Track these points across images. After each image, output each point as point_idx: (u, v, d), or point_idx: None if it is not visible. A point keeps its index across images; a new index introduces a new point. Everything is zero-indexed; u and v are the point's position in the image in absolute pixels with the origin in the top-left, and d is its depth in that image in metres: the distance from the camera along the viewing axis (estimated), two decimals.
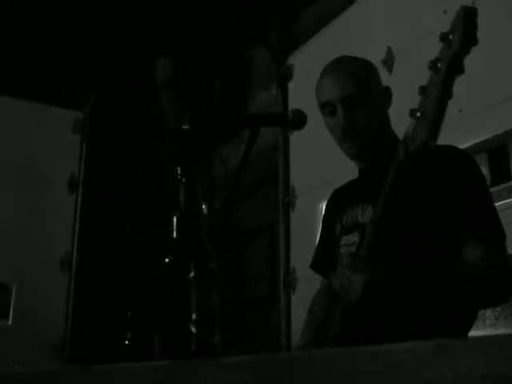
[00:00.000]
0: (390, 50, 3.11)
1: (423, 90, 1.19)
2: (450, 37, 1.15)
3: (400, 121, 2.90)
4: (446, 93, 1.15)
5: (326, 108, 1.65)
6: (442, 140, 2.76)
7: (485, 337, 0.46)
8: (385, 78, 3.12)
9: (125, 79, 4.22)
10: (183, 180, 1.05)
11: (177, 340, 0.98)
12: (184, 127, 1.48)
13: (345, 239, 1.68)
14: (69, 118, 4.16)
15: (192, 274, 0.98)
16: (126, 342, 2.89)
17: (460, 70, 1.16)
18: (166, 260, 0.99)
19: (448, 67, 1.15)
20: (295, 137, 3.66)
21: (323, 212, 1.95)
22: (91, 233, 4.06)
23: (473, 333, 2.58)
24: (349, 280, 1.37)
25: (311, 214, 3.32)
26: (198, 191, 1.06)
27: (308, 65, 3.44)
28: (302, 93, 3.03)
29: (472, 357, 0.47)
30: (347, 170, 1.88)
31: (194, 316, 0.96)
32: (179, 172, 1.05)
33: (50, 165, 4.06)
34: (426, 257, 1.47)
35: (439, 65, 1.16)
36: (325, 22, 3.63)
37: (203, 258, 1.01)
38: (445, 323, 1.43)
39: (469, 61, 2.67)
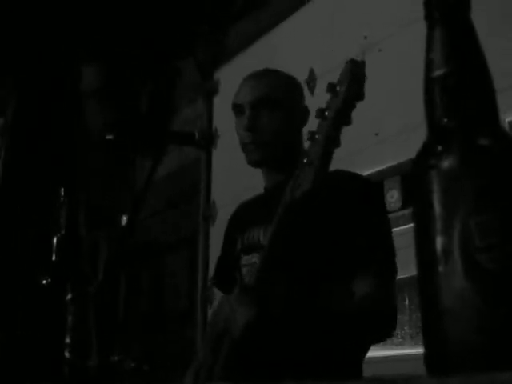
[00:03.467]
0: (312, 72, 3.16)
1: (312, 137, 1.18)
2: (337, 88, 1.14)
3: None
4: (332, 141, 1.15)
5: (236, 109, 1.65)
6: (359, 162, 2.81)
7: None
8: (307, 99, 3.20)
9: (49, 86, 4.13)
10: (65, 201, 1.03)
11: (48, 365, 0.96)
12: (108, 137, 1.46)
13: (244, 259, 1.64)
14: None
15: (69, 297, 0.97)
16: None
17: (347, 121, 1.15)
18: (44, 282, 0.97)
19: (334, 117, 1.14)
20: (218, 152, 3.68)
21: (226, 225, 1.88)
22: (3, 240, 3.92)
23: (380, 353, 2.65)
24: (233, 314, 1.29)
25: None
26: (80, 213, 1.05)
27: (234, 80, 3.45)
28: (227, 108, 3.04)
29: None
30: None
31: (67, 340, 0.95)
32: (62, 193, 1.04)
33: None
34: (317, 290, 1.45)
35: (327, 113, 1.15)
36: (253, 38, 3.66)
37: (81, 280, 0.99)
38: (335, 355, 1.42)
39: (389, 86, 2.73)
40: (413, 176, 0.58)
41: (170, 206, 3.94)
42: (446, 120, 0.58)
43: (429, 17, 0.62)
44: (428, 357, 0.57)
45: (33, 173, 3.88)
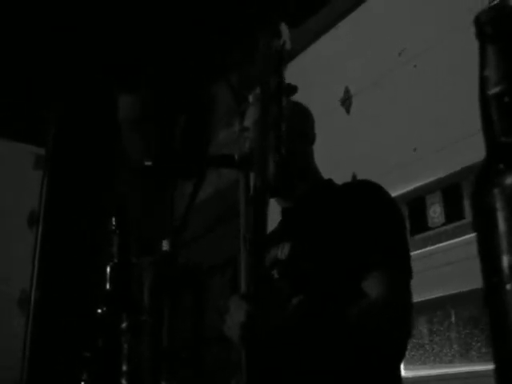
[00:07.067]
0: (347, 90, 3.16)
1: None
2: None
3: (356, 158, 2.90)
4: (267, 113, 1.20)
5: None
6: (397, 178, 2.78)
7: None
8: (343, 117, 3.20)
9: (87, 115, 4.22)
10: (117, 231, 1.04)
11: None
12: (146, 163, 1.48)
13: None
14: (29, 154, 4.14)
15: (124, 325, 0.97)
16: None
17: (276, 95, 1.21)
18: (99, 311, 0.98)
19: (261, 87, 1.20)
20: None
21: None
22: (50, 270, 3.99)
23: (430, 372, 2.60)
24: (231, 318, 1.26)
25: None
26: (131, 242, 1.06)
27: None
28: None
29: None
30: None
31: (124, 367, 0.95)
32: (113, 223, 1.05)
33: (9, 200, 4.01)
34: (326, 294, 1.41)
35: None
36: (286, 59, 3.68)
37: (135, 309, 1.00)
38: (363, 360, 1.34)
39: (425, 102, 2.71)
40: (475, 194, 0.57)
41: (209, 229, 3.96)
42: (504, 137, 0.57)
43: (480, 34, 0.61)
44: (499, 374, 0.56)
45: (78, 201, 3.95)
